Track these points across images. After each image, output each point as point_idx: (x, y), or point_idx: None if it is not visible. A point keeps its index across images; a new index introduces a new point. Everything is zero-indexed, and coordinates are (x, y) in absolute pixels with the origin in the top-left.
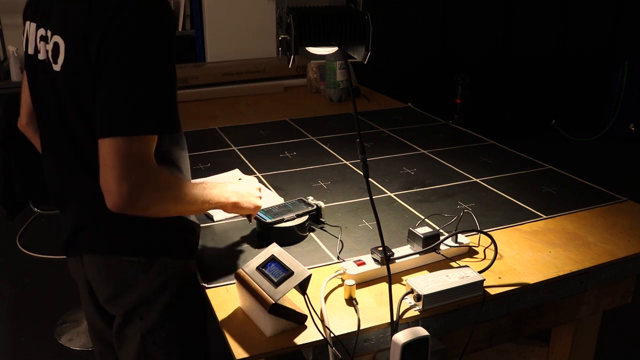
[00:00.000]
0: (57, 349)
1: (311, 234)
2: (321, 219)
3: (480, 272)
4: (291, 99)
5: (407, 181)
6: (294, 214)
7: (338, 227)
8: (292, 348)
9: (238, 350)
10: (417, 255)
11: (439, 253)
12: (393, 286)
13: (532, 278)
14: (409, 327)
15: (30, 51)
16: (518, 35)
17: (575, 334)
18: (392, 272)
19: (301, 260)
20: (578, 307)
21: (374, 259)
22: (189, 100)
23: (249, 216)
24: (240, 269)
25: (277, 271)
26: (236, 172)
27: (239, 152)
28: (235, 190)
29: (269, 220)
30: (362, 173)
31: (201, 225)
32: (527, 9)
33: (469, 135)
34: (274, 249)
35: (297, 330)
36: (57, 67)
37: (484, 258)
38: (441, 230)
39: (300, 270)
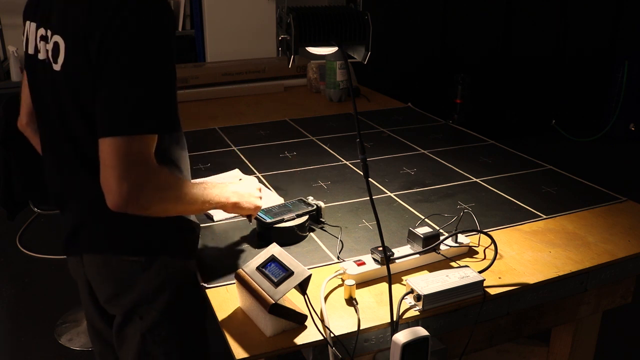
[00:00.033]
0: (57, 349)
1: (311, 234)
2: (321, 219)
3: (480, 272)
4: (291, 99)
5: (407, 181)
6: (294, 214)
7: (338, 227)
8: (292, 348)
9: (238, 350)
10: (417, 255)
11: (439, 253)
12: (393, 286)
13: (532, 278)
14: (409, 327)
15: (30, 51)
16: (518, 35)
17: (575, 334)
18: (392, 272)
19: (301, 260)
20: (578, 307)
21: (374, 259)
22: (189, 100)
23: (249, 216)
24: (240, 269)
25: (277, 271)
26: (236, 172)
27: (239, 152)
28: (236, 191)
29: (269, 220)
30: (362, 173)
31: (201, 225)
32: (527, 9)
33: (469, 135)
34: (274, 249)
35: (297, 330)
36: (57, 67)
37: (484, 258)
38: (441, 230)
39: (300, 270)
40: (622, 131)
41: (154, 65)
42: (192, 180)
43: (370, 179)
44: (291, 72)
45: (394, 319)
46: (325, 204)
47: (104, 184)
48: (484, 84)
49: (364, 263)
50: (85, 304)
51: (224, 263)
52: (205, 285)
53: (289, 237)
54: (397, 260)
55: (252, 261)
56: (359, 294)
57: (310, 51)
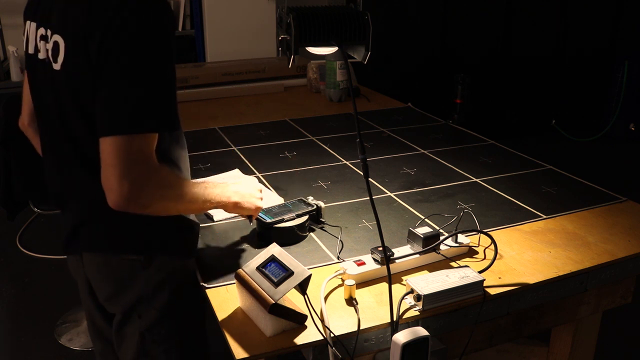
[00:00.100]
0: (57, 349)
1: (311, 234)
2: (321, 219)
3: (480, 272)
4: (291, 99)
5: (407, 181)
6: (294, 214)
7: (338, 227)
8: (292, 348)
9: (238, 350)
10: (417, 255)
11: (439, 253)
12: (393, 286)
13: (532, 278)
14: (409, 327)
15: (31, 50)
16: (518, 35)
17: (575, 334)
18: (392, 272)
19: (301, 260)
20: (578, 307)
21: (374, 259)
22: (189, 100)
23: (249, 217)
24: (240, 269)
25: (277, 271)
26: (236, 172)
27: (239, 152)
28: (237, 191)
29: (269, 220)
30: (362, 173)
31: (201, 225)
32: (527, 9)
33: (469, 135)
34: (274, 249)
35: (297, 330)
36: (57, 66)
37: (484, 258)
38: (441, 230)
39: (300, 270)
40: (622, 131)
41: (154, 65)
42: (193, 180)
43: (370, 179)
44: (291, 72)
45: (394, 319)
46: (325, 204)
47: (105, 183)
48: (484, 84)
49: (364, 263)
50: (85, 303)
51: (224, 263)
52: (205, 285)
53: (289, 237)
54: (397, 260)
55: (252, 261)
56: (359, 294)
57: (310, 51)
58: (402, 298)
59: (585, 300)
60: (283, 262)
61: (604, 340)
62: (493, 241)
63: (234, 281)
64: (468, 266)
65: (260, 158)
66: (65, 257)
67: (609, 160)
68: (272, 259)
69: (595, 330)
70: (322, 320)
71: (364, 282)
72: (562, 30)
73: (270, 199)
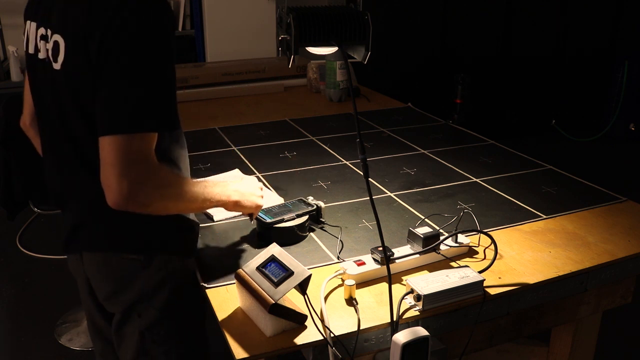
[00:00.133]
0: (57, 349)
1: (311, 234)
2: (321, 219)
3: (480, 272)
4: (291, 99)
5: (407, 181)
6: (294, 214)
7: (338, 227)
8: (292, 348)
9: (238, 350)
10: (417, 255)
11: (439, 253)
12: (393, 286)
13: (532, 278)
14: (409, 327)
15: (31, 50)
16: (518, 35)
17: (575, 334)
18: (392, 272)
19: (301, 260)
20: (578, 307)
21: (374, 259)
22: (189, 100)
23: (250, 215)
24: (240, 269)
25: (277, 271)
26: (236, 172)
27: (239, 152)
28: (237, 189)
29: (269, 220)
30: (362, 173)
31: (201, 225)
32: (527, 9)
33: (469, 135)
34: (274, 249)
35: (297, 330)
36: (57, 66)
37: (484, 258)
38: (441, 230)
39: (300, 270)
40: (622, 131)
41: (153, 65)
42: (193, 179)
43: (370, 179)
44: (291, 72)
45: (394, 319)
46: (325, 204)
47: (104, 182)
48: (484, 84)
49: (364, 263)
50: (85, 302)
51: (224, 263)
52: (205, 285)
53: (289, 237)
54: (397, 260)
55: (252, 261)
56: (359, 294)
57: (310, 51)
58: (402, 298)
59: (585, 300)
60: (283, 262)
61: (604, 340)
62: (493, 241)
63: (234, 281)
64: (468, 266)
65: (260, 158)
66: (65, 257)
67: (609, 160)
68: (272, 259)
69: (595, 330)
70: (322, 320)
71: (364, 282)
72: (562, 30)
73: (270, 199)
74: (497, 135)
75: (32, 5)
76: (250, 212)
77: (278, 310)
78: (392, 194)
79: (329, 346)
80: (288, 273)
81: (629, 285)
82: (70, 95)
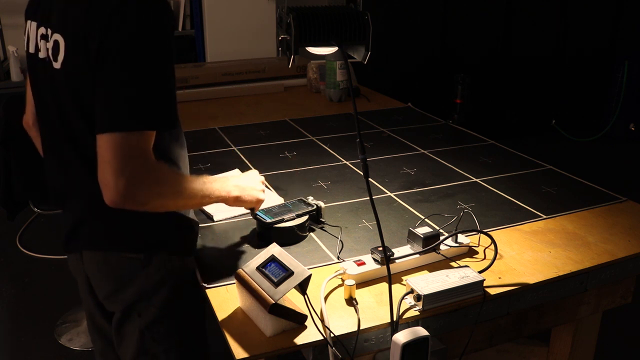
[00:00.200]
0: (57, 349)
1: (311, 234)
2: (321, 219)
3: (480, 272)
4: (291, 99)
5: (407, 181)
6: (294, 214)
7: (338, 227)
8: (292, 348)
9: (238, 350)
10: (417, 255)
11: (439, 253)
12: (393, 286)
13: (532, 278)
14: (409, 327)
15: (31, 50)
16: (518, 35)
17: (575, 334)
18: (392, 272)
19: (301, 260)
20: (578, 307)
21: (374, 259)
22: (189, 100)
23: (251, 210)
24: (240, 269)
25: (277, 271)
26: (236, 172)
27: (239, 152)
28: (237, 184)
29: (269, 220)
30: (362, 173)
31: (201, 225)
32: (527, 9)
33: (469, 135)
34: (274, 249)
35: (297, 330)
36: (57, 65)
37: (484, 258)
38: (441, 230)
39: (300, 270)
40: (622, 131)
41: (152, 64)
42: (192, 175)
43: (370, 179)
44: (291, 72)
45: (394, 319)
46: (325, 204)
47: (101, 180)
48: (484, 84)
49: (364, 263)
50: (85, 301)
51: (224, 263)
52: (205, 285)
53: (289, 237)
54: (397, 260)
55: (252, 261)
56: (359, 294)
57: (310, 51)
58: (402, 298)
59: (585, 300)
60: (283, 262)
61: (604, 340)
62: (493, 241)
63: (234, 281)
64: (468, 266)
65: (260, 158)
66: (65, 257)
67: (609, 160)
68: (272, 259)
69: (595, 330)
70: (322, 320)
71: (364, 282)
72: (562, 30)
73: (270, 199)
74: (497, 135)
75: (32, 4)
76: (252, 207)
77: (278, 310)
78: (392, 194)
79: (329, 346)
80: (288, 273)
81: (629, 285)
82: (70, 94)
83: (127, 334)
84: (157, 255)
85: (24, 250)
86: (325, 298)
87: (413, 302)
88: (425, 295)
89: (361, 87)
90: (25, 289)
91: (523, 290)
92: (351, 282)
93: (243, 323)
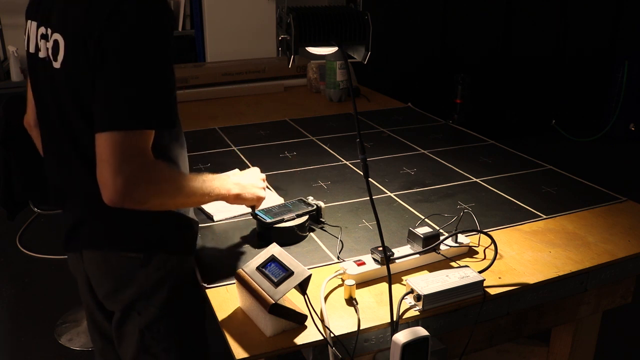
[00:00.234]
0: (57, 349)
1: (311, 234)
2: (321, 219)
3: (480, 272)
4: (291, 99)
5: (407, 181)
6: (294, 214)
7: (338, 227)
8: (292, 348)
9: (238, 350)
10: (417, 255)
11: (439, 253)
12: (393, 286)
13: (532, 278)
14: (409, 327)
15: (32, 49)
16: (518, 35)
17: (575, 334)
18: (392, 272)
19: (301, 260)
20: (578, 307)
21: (374, 259)
22: (189, 100)
23: (252, 207)
24: (240, 269)
25: (277, 271)
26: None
27: (239, 152)
28: (238, 182)
29: (269, 220)
30: (362, 173)
31: (201, 225)
32: (527, 9)
33: (469, 135)
34: (274, 249)
35: (297, 330)
36: (57, 65)
37: (484, 258)
38: (441, 230)
39: (300, 270)
40: (622, 131)
41: (151, 63)
42: (191, 173)
43: (370, 179)
44: (291, 72)
45: (394, 319)
46: (325, 204)
47: (100, 179)
48: (484, 84)
49: (364, 263)
50: (85, 300)
51: (224, 263)
52: (205, 285)
53: (289, 237)
54: (397, 260)
55: (252, 261)
56: (359, 294)
57: (310, 51)
58: (402, 298)
59: (585, 300)
60: (283, 262)
61: (604, 340)
62: (493, 241)
63: (234, 281)
64: (468, 266)
65: (260, 158)
66: (65, 257)
67: (609, 160)
68: (272, 259)
69: (595, 330)
70: (322, 320)
71: (364, 282)
72: (562, 30)
73: (270, 199)
74: (497, 135)
75: (33, 4)
76: (253, 204)
77: (278, 310)
78: (392, 194)
79: (329, 346)
80: (288, 273)
81: (629, 285)
82: (70, 94)
83: (127, 333)
84: (157, 254)
85: (24, 250)
86: (325, 298)
87: (413, 302)
88: (425, 295)
89: (361, 87)
90: (25, 289)
91: (523, 290)
92: (351, 282)
93: (243, 323)
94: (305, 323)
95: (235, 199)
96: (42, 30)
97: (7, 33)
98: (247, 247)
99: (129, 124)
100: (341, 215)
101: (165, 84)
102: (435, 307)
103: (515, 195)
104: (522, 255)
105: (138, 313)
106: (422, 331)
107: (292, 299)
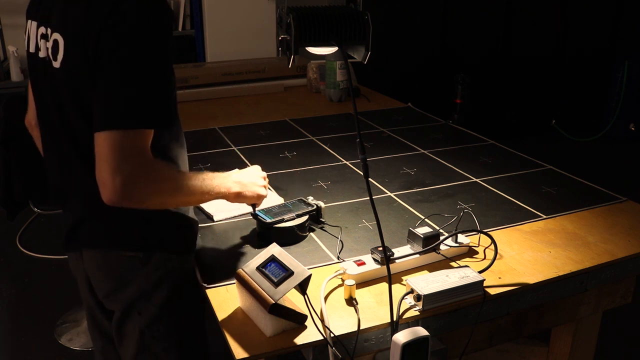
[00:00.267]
0: (57, 349)
1: (311, 234)
2: (321, 219)
3: (480, 272)
4: (291, 99)
5: (407, 181)
6: (294, 214)
7: (338, 227)
8: (292, 348)
9: (238, 350)
10: (417, 255)
11: (439, 253)
12: (393, 286)
13: (532, 278)
14: (409, 327)
15: (32, 49)
16: (518, 35)
17: (575, 334)
18: (392, 272)
19: (301, 260)
20: (578, 307)
21: (374, 259)
22: (189, 100)
23: (253, 206)
24: (240, 269)
25: (277, 271)
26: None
27: (239, 152)
28: (238, 180)
29: (269, 220)
30: (362, 173)
31: (201, 225)
32: (527, 9)
33: (469, 135)
34: (274, 249)
35: (297, 330)
36: (56, 65)
37: (484, 258)
38: (441, 230)
39: (300, 270)
40: (622, 131)
41: (151, 62)
42: (191, 172)
43: (370, 179)
44: (291, 72)
45: (394, 319)
46: (325, 204)
47: (99, 179)
48: (484, 84)
49: (364, 263)
50: (85, 300)
51: (224, 263)
52: (205, 285)
53: (289, 237)
54: (397, 260)
55: (252, 261)
56: (359, 294)
57: (310, 51)
58: (402, 298)
59: (585, 300)
60: (283, 262)
61: (604, 340)
62: (493, 241)
63: (234, 281)
64: (468, 266)
65: (260, 158)
66: (65, 257)
67: (609, 160)
68: (272, 259)
69: (595, 330)
70: (322, 320)
71: (364, 282)
72: (562, 30)
73: (270, 199)
74: (497, 135)
75: (33, 4)
76: (253, 202)
77: (278, 310)
78: (392, 194)
79: (329, 346)
80: (288, 273)
81: (629, 285)
82: (70, 94)
83: (127, 333)
84: (157, 254)
85: (24, 250)
86: (325, 298)
87: (413, 302)
88: (425, 295)
89: (361, 87)
90: (25, 289)
91: (523, 290)
92: (351, 282)
93: (243, 323)
94: (305, 323)
95: (236, 197)
96: (42, 30)
97: (7, 33)
98: (247, 247)
99: (128, 124)
100: (341, 215)
101: (164, 83)
102: (435, 307)
103: (515, 195)
104: (522, 255)
105: (138, 312)
106: (422, 331)
107: (292, 299)
